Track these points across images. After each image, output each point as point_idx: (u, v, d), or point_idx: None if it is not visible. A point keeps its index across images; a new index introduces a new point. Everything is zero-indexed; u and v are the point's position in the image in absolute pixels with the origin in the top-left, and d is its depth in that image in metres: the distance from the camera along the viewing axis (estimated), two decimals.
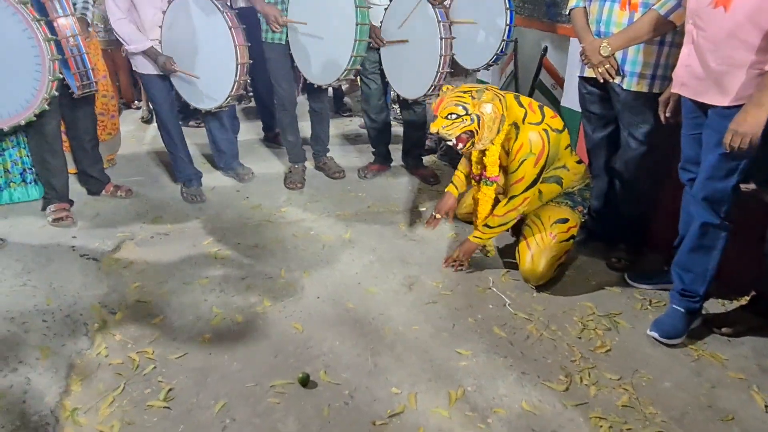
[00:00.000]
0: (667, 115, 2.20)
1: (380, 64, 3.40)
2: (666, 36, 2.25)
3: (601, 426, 1.78)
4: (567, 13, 2.54)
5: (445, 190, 2.68)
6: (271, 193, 3.48)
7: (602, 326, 2.25)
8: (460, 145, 2.29)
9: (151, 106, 4.55)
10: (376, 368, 2.01)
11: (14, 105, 2.55)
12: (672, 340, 2.13)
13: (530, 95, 3.58)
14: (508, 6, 3.15)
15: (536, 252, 2.38)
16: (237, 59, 2.85)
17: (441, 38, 2.97)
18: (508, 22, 3.15)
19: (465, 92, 2.26)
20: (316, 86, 3.31)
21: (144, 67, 3.09)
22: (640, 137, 2.40)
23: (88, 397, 1.86)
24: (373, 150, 3.75)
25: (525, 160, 2.30)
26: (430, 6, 3.01)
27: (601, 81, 2.38)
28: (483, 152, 2.39)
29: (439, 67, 3.02)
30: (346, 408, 1.84)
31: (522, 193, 2.37)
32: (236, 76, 2.89)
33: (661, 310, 2.32)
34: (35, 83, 2.51)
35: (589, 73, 2.45)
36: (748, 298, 2.32)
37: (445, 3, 3.09)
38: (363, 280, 2.55)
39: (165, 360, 2.03)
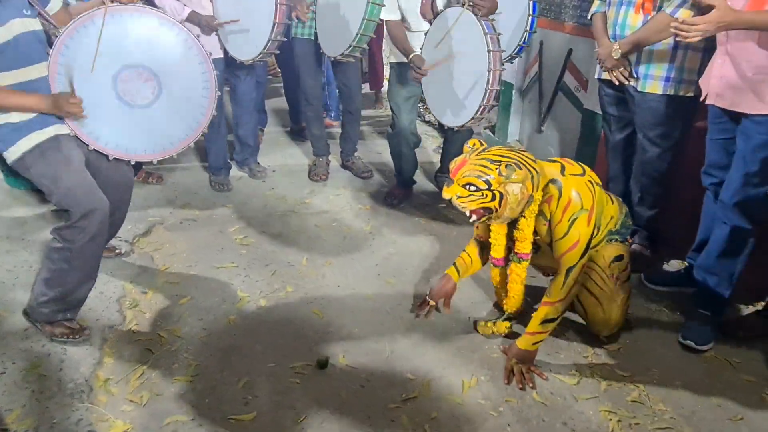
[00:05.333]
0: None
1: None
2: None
3: (610, 419, 1.82)
4: (589, 17, 2.59)
5: (446, 272, 2.25)
6: (296, 184, 3.58)
7: None
8: (474, 218, 1.88)
9: None
10: (393, 355, 2.08)
11: (185, 128, 2.34)
12: (706, 346, 2.13)
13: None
14: None
15: (605, 300, 2.06)
16: (275, 18, 2.85)
17: (489, 51, 2.53)
18: (531, 13, 3.16)
19: (494, 161, 1.81)
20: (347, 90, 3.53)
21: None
22: (655, 139, 2.45)
23: (119, 368, 1.97)
24: (397, 175, 3.42)
25: (576, 218, 1.87)
26: (474, 17, 2.58)
27: (617, 83, 2.43)
28: (514, 224, 2.00)
29: (488, 84, 2.55)
30: (362, 391, 1.92)
31: (579, 261, 1.91)
32: (271, 34, 2.89)
33: (674, 312, 2.36)
34: (204, 101, 2.35)
35: (605, 75, 2.50)
36: (763, 303, 2.33)
37: (492, 17, 2.68)
38: (382, 272, 2.62)
39: (191, 338, 2.13)
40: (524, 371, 1.98)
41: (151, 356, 2.03)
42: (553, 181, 1.90)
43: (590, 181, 1.93)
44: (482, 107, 2.60)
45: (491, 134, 4.40)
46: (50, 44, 2.08)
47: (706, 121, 2.18)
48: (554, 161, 1.96)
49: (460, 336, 2.20)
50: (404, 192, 3.41)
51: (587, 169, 1.98)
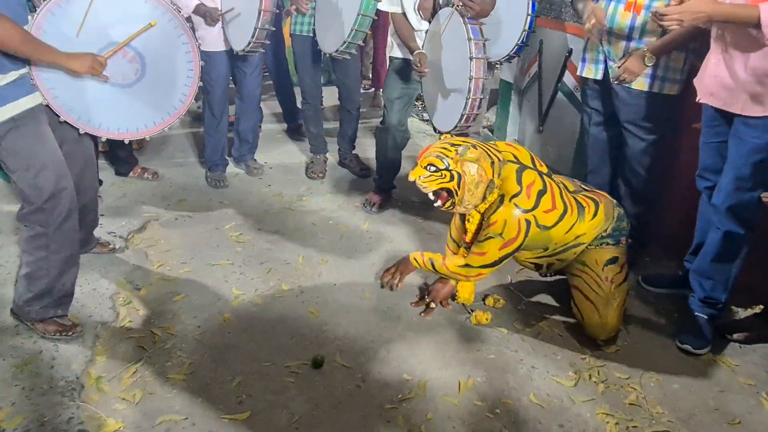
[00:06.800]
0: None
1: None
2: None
3: (607, 422, 1.81)
4: (570, 0, 2.60)
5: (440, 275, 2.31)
6: (293, 182, 3.56)
7: None
8: (440, 202, 2.05)
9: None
10: (389, 355, 2.06)
11: (161, 113, 2.35)
12: (703, 350, 2.12)
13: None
14: None
15: (600, 304, 2.09)
16: (261, 5, 2.84)
17: (471, 58, 2.42)
18: (530, 12, 3.13)
19: (453, 144, 1.99)
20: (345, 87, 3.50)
21: (210, 43, 3.14)
22: (638, 133, 2.46)
23: (111, 366, 1.94)
24: (377, 178, 3.30)
25: (492, 238, 2.01)
26: (461, 20, 2.48)
27: (615, 82, 2.42)
28: (466, 216, 2.16)
29: (469, 92, 2.45)
30: (357, 391, 1.90)
31: (478, 267, 2.09)
32: (257, 22, 2.87)
33: (671, 313, 2.35)
34: (185, 89, 2.39)
35: (587, 73, 2.55)
36: (762, 306, 2.32)
37: (482, 21, 2.56)
38: (379, 271, 2.60)
39: (185, 336, 2.11)
40: (398, 276, 2.34)
41: (145, 354, 2.00)
42: (501, 197, 2.01)
43: (528, 220, 1.99)
44: (464, 116, 2.52)
45: (490, 134, 4.38)
46: (33, 8, 2.03)
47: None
48: (520, 185, 1.99)
49: (457, 337, 2.18)
50: (382, 198, 3.26)
51: (542, 206, 2.00)
